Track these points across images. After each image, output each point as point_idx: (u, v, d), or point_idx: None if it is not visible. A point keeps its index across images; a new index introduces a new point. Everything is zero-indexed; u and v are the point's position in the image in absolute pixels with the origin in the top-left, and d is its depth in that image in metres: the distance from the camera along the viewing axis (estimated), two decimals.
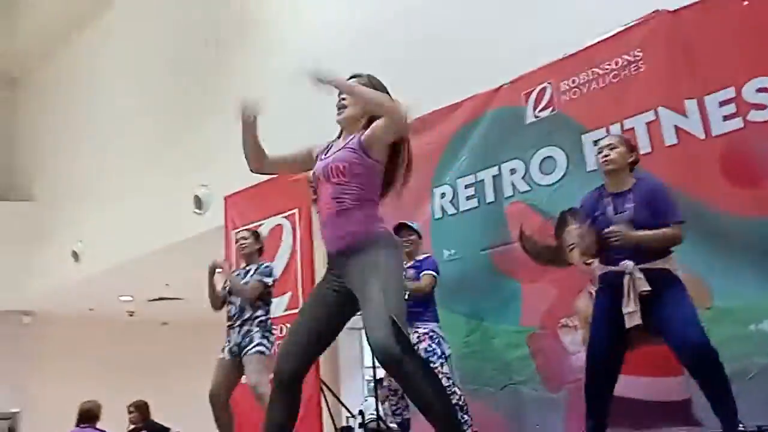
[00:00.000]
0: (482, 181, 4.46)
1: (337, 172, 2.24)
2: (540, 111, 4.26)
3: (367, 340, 2.01)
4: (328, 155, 2.35)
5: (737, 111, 3.42)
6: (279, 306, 5.01)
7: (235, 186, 5.97)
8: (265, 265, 4.08)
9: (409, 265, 3.87)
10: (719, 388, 2.67)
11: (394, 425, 4.07)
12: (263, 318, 3.91)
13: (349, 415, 6.89)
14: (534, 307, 4.02)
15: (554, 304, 3.94)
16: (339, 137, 2.42)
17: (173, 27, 8.59)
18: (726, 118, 3.45)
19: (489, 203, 4.40)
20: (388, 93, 2.36)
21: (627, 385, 3.28)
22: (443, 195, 4.61)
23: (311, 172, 2.44)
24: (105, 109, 9.55)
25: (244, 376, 3.84)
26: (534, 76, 4.32)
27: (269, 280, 4.00)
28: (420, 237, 4.04)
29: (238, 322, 3.85)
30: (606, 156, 2.97)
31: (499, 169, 4.38)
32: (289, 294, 5.25)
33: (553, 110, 4.19)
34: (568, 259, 3.89)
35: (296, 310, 5.16)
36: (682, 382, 3.29)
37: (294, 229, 5.35)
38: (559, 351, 3.85)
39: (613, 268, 2.86)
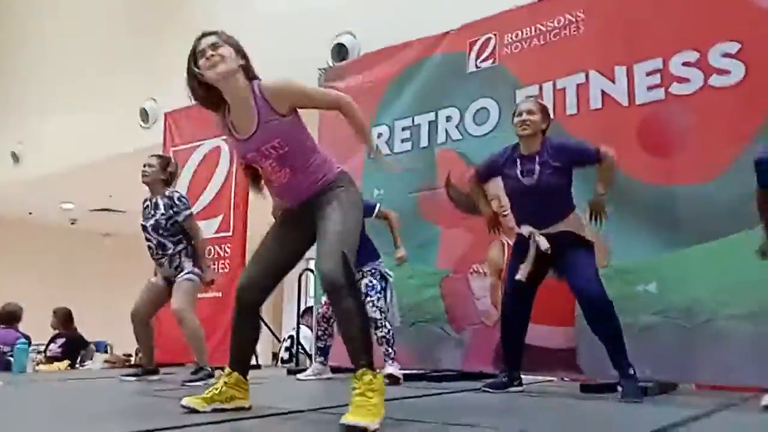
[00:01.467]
0: (419, 125, 4.53)
1: (272, 149, 2.22)
2: (481, 61, 4.30)
3: (317, 268, 2.14)
4: (243, 135, 2.25)
5: (661, 82, 3.53)
6: (209, 228, 5.06)
7: (183, 104, 5.88)
8: (178, 196, 3.77)
9: None
10: (613, 336, 2.92)
11: (314, 348, 4.24)
12: (187, 246, 3.77)
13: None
14: (450, 252, 4.19)
15: (468, 251, 4.11)
16: (224, 109, 2.28)
17: None
18: (650, 88, 3.56)
19: (422, 148, 4.48)
20: (245, 54, 2.28)
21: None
22: (380, 135, 4.65)
23: (238, 156, 2.44)
24: (63, 12, 9.12)
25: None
26: (480, 25, 4.33)
27: (189, 213, 3.79)
28: None
29: (164, 259, 3.74)
30: (524, 121, 3.11)
31: (436, 115, 4.44)
32: (221, 216, 5.29)
33: (493, 62, 4.24)
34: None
35: (227, 233, 5.24)
36: (572, 332, 3.53)
37: (232, 152, 5.33)
38: (467, 295, 4.05)
39: (520, 231, 3.18)
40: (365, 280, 3.83)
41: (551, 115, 3.30)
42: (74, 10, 8.85)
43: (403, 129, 4.59)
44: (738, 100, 3.27)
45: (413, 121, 4.55)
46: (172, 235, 3.73)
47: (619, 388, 2.83)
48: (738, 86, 3.29)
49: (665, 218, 3.39)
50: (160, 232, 3.72)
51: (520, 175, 3.08)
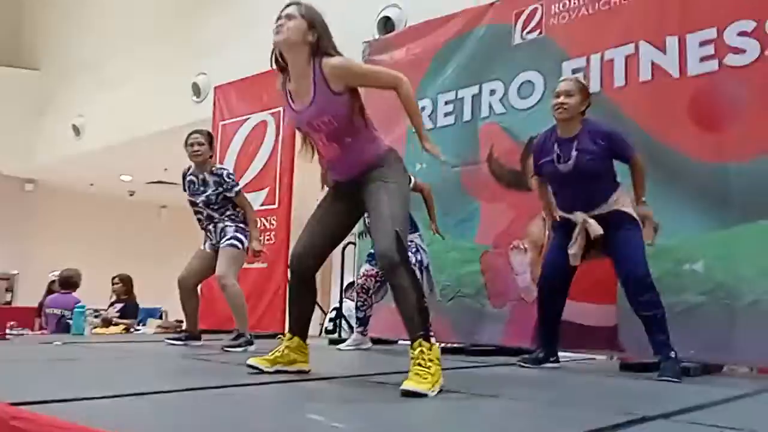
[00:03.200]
0: (462, 99, 4.48)
1: (323, 124, 2.29)
2: (527, 33, 4.20)
3: (373, 247, 2.27)
4: (298, 107, 2.34)
5: (715, 53, 3.37)
6: (256, 200, 5.17)
7: (233, 77, 6.01)
8: (227, 174, 3.87)
9: None
10: (655, 319, 2.86)
11: (354, 318, 4.34)
12: (235, 214, 3.89)
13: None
14: (490, 227, 4.15)
15: (509, 226, 4.07)
16: (287, 77, 2.37)
17: None
18: (703, 59, 3.41)
19: (465, 122, 4.43)
20: (325, 24, 2.34)
21: (566, 310, 3.48)
22: (423, 108, 4.60)
23: (293, 125, 2.53)
24: None
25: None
26: None
27: (239, 189, 3.93)
28: None
29: (211, 225, 3.89)
30: (562, 104, 3.02)
31: (480, 88, 4.38)
32: (267, 189, 5.40)
33: (540, 33, 4.13)
34: (528, 185, 3.99)
35: (273, 206, 5.35)
36: (613, 310, 3.47)
37: (278, 126, 5.42)
38: (507, 270, 4.02)
39: (566, 215, 3.10)
40: None
41: (590, 94, 3.15)
42: None
43: (447, 103, 4.55)
44: None
45: (457, 94, 4.50)
46: (222, 207, 3.88)
47: (660, 368, 2.78)
48: None
49: (715, 195, 3.26)
50: (211, 206, 3.87)
51: (557, 161, 3.03)
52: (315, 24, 2.30)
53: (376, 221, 2.23)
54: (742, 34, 3.29)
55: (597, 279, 3.39)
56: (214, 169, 3.90)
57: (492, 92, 4.31)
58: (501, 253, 4.07)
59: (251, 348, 3.59)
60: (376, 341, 4.22)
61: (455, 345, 4.05)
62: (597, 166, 2.96)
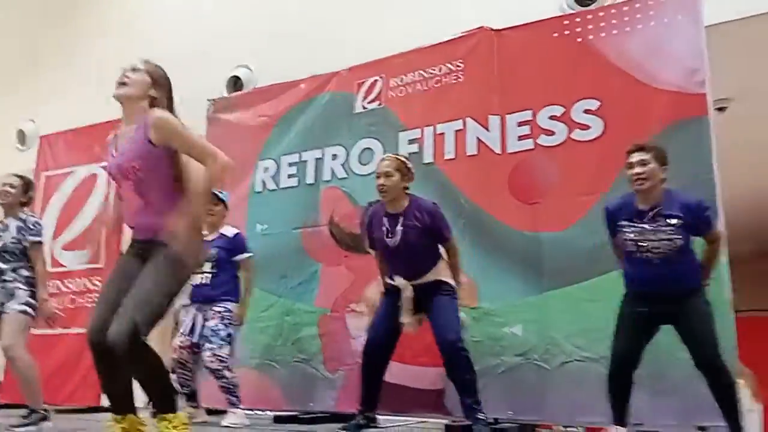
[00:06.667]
0: (305, 161, 4.51)
1: (132, 171, 2.26)
2: (369, 102, 4.37)
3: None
4: (117, 152, 2.33)
5: (531, 133, 3.72)
6: (79, 259, 4.75)
7: (61, 127, 5.61)
8: (33, 221, 3.48)
9: (213, 237, 3.79)
10: (465, 382, 3.01)
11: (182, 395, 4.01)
12: (31, 277, 3.40)
13: None
14: (330, 290, 4.14)
15: (348, 289, 4.08)
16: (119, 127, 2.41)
17: None
18: (521, 137, 3.74)
19: (308, 184, 4.46)
20: (169, 84, 2.37)
21: (395, 372, 3.51)
22: (266, 169, 4.60)
23: (107, 166, 2.42)
24: None
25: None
26: (369, 68, 4.42)
27: (39, 241, 3.47)
28: (226, 208, 3.97)
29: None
30: (382, 185, 3.16)
31: (323, 152, 4.45)
32: (90, 247, 4.99)
33: (380, 104, 4.32)
34: (366, 249, 4.06)
35: (98, 265, 4.94)
36: (441, 373, 3.55)
37: (108, 181, 5.08)
38: (344, 334, 4.01)
39: (392, 282, 3.22)
40: (211, 323, 3.63)
41: (412, 174, 3.27)
42: None
43: (290, 164, 4.56)
44: (596, 154, 3.49)
45: (300, 157, 4.54)
46: (17, 261, 3.40)
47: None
48: (597, 141, 3.51)
49: (530, 263, 3.52)
50: (6, 256, 3.39)
51: (386, 234, 3.16)
52: (159, 81, 2.34)
53: (130, 296, 2.14)
54: (552, 117, 3.66)
55: (428, 342, 3.47)
56: (21, 215, 3.47)
57: (334, 156, 4.40)
58: (339, 317, 4.06)
59: (47, 424, 3.18)
60: (211, 412, 3.92)
61: (289, 413, 3.91)
62: (423, 239, 3.12)
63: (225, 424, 3.52)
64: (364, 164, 4.26)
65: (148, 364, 2.15)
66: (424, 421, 3.80)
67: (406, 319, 3.13)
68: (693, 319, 2.59)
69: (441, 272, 3.19)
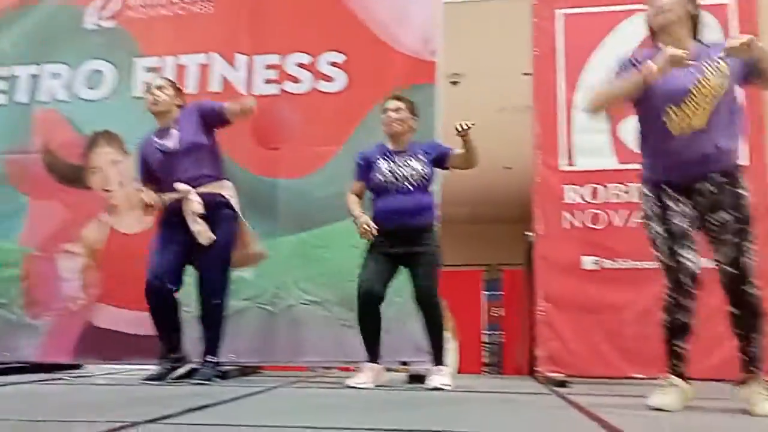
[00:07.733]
0: (18, 77, 3.86)
1: None
2: (102, 19, 3.87)
3: None
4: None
5: (278, 78, 3.65)
6: None
7: None
8: None
9: None
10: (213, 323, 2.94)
11: None
12: None
13: None
14: (39, 227, 3.64)
15: (61, 228, 3.63)
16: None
17: None
18: (268, 81, 3.66)
19: (18, 103, 3.83)
20: None
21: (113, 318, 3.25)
22: None
23: None
24: None
25: None
26: None
27: None
28: None
29: None
30: (156, 97, 3.02)
31: (42, 69, 3.85)
32: None
33: (116, 23, 3.86)
34: (88, 183, 3.65)
35: None
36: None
37: None
38: (52, 276, 3.57)
39: (172, 195, 2.93)
40: None
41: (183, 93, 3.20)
42: None
43: None
44: (339, 107, 3.56)
45: (11, 71, 3.87)
46: None
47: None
48: (340, 94, 3.58)
49: (266, 208, 3.49)
50: None
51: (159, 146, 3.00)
52: None
53: None
54: (300, 65, 3.64)
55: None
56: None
57: (55, 75, 3.83)
58: (48, 258, 3.59)
59: None
60: None
61: None
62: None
63: None
64: (92, 88, 3.80)
65: None
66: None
67: (195, 227, 2.89)
68: (425, 258, 2.82)
69: (224, 188, 3.07)
